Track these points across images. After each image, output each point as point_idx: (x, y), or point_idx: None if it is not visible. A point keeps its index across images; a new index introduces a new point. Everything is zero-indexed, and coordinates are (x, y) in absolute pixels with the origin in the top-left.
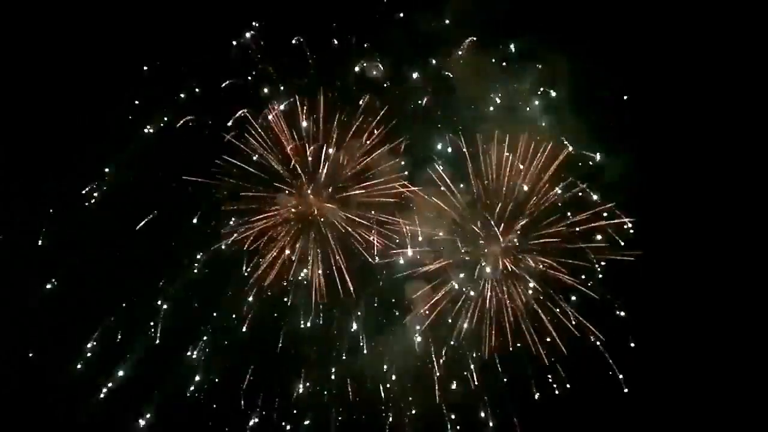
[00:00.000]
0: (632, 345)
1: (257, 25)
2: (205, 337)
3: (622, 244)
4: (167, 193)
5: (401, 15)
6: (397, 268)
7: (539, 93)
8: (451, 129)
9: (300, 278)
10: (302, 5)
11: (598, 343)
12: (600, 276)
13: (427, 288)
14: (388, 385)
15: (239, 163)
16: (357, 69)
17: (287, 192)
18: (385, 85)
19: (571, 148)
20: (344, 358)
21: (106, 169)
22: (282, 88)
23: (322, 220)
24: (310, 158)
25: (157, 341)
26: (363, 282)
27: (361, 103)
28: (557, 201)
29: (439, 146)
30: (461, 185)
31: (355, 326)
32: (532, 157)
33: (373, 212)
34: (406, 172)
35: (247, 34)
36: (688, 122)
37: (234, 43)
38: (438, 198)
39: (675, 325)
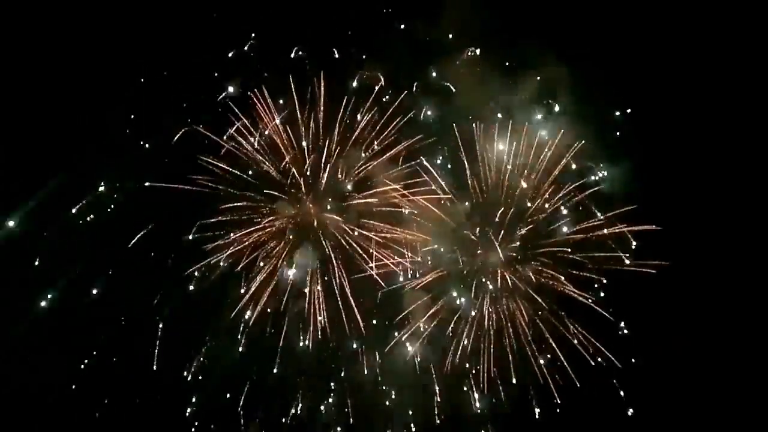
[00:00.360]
0: (640, 366)
1: (255, 35)
2: (202, 353)
3: (627, 261)
4: (164, 206)
5: (401, 25)
6: (396, 280)
7: (541, 103)
8: (450, 138)
9: (297, 291)
10: (301, 16)
11: (599, 359)
12: (602, 294)
13: (426, 300)
14: (387, 402)
15: (237, 172)
16: (356, 79)
17: (286, 200)
18: (384, 97)
19: (572, 159)
20: (342, 374)
21: (101, 188)
22: (281, 100)
23: (321, 232)
24: (308, 169)
25: (155, 362)
26: (361, 295)
27: (358, 116)
28: (559, 208)
29: (439, 156)
30: (460, 195)
31: (353, 341)
32: (532, 166)
33: (372, 222)
34: (404, 182)
35: (246, 47)
36: (693, 131)
37: (232, 53)
38: (437, 208)
39: (685, 345)
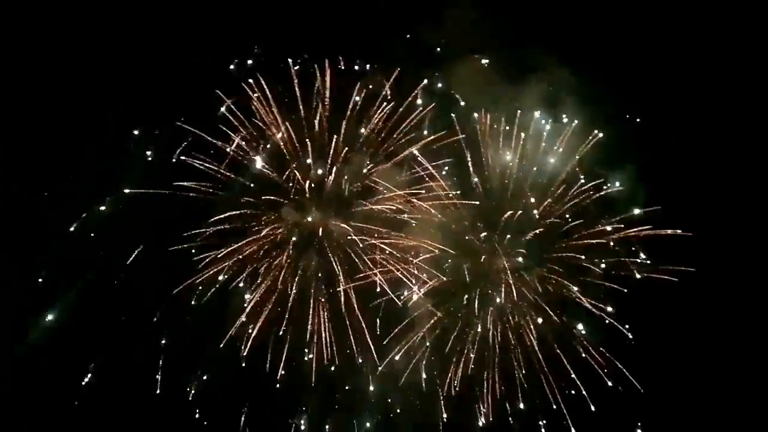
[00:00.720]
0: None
1: (260, 42)
2: (204, 368)
3: (637, 275)
4: (165, 216)
5: (405, 30)
6: (401, 289)
7: (548, 107)
8: (456, 144)
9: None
10: (305, 25)
11: (606, 369)
12: (614, 308)
13: (431, 311)
14: (391, 415)
15: (241, 179)
16: (361, 85)
17: (291, 207)
18: (388, 103)
19: (579, 163)
20: (347, 388)
21: (103, 206)
22: (285, 107)
23: (325, 241)
24: (312, 175)
25: (159, 375)
26: (366, 305)
27: (363, 122)
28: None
29: (444, 162)
30: (466, 201)
31: (357, 353)
32: (539, 171)
33: (376, 235)
34: (410, 188)
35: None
36: (700, 136)
37: (237, 60)
38: (442, 215)
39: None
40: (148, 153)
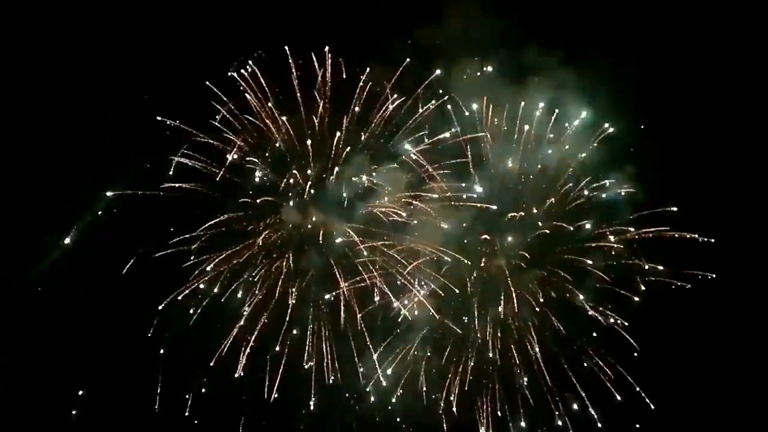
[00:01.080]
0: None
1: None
2: (202, 377)
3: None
4: (164, 222)
5: (405, 30)
6: (401, 293)
7: (549, 108)
8: (457, 144)
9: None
10: (305, 25)
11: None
12: (618, 317)
13: (431, 318)
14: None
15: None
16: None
17: (291, 209)
18: (389, 104)
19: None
20: (346, 395)
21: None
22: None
23: (326, 244)
24: (312, 177)
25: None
26: (366, 311)
27: (364, 127)
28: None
29: (445, 163)
30: (468, 203)
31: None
32: (542, 172)
33: (377, 230)
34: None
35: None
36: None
37: (233, 66)
38: (444, 216)
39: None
40: (147, 154)
